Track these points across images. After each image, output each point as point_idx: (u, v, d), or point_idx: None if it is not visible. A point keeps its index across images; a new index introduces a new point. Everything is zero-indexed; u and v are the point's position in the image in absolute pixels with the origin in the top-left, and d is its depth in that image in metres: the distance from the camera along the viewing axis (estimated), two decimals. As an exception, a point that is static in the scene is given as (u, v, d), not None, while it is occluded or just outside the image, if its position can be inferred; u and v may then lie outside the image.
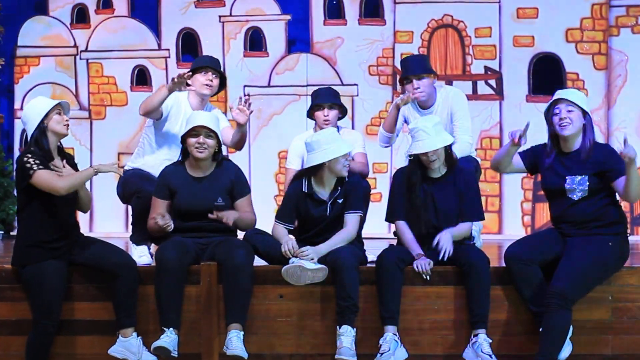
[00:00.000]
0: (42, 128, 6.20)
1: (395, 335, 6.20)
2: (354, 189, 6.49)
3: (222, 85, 7.14)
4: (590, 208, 6.14)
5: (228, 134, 7.00)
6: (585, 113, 6.16)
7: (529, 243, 6.28)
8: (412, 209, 6.39)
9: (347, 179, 6.50)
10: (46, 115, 6.20)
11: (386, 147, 7.33)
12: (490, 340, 6.17)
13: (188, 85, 6.81)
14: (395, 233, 6.58)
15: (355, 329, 6.19)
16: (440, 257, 6.23)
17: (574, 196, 6.15)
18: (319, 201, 6.50)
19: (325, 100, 7.14)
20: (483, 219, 6.55)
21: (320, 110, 7.13)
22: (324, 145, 6.40)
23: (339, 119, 7.22)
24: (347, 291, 6.18)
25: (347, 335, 6.16)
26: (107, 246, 6.43)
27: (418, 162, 6.41)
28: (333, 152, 6.39)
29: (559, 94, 6.24)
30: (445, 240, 6.25)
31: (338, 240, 6.39)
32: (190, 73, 6.91)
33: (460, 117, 7.05)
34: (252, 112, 6.89)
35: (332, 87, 7.41)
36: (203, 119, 6.50)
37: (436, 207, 6.37)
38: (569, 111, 6.14)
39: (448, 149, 6.39)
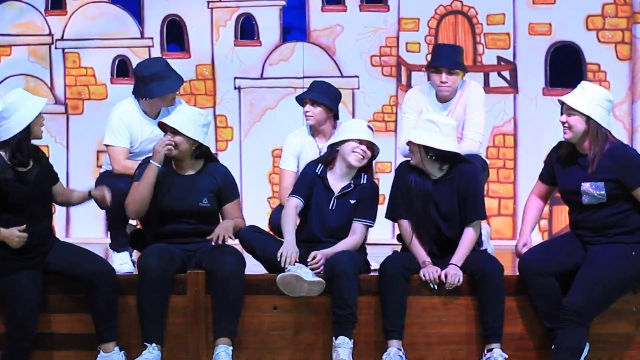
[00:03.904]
0: (27, 131, 6.21)
1: (400, 350, 6.21)
2: (367, 196, 6.53)
3: None
4: (610, 214, 6.13)
5: None
6: (589, 118, 6.11)
7: (545, 251, 6.27)
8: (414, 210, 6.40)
9: (364, 182, 6.50)
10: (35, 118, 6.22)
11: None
12: (507, 356, 6.18)
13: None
14: (398, 237, 6.58)
15: (352, 340, 6.19)
16: (447, 288, 6.27)
17: (592, 201, 6.13)
18: (327, 188, 6.52)
19: (310, 95, 7.13)
20: (484, 217, 6.51)
21: (304, 105, 7.16)
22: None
23: (335, 117, 7.20)
24: (345, 299, 6.18)
25: (344, 347, 6.16)
26: (84, 253, 6.44)
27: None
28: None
29: (564, 96, 6.20)
30: (453, 275, 6.25)
31: (343, 248, 6.40)
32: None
33: (472, 111, 7.05)
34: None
35: (331, 80, 7.40)
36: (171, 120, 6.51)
37: (439, 210, 6.36)
38: (569, 115, 6.13)
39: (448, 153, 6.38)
